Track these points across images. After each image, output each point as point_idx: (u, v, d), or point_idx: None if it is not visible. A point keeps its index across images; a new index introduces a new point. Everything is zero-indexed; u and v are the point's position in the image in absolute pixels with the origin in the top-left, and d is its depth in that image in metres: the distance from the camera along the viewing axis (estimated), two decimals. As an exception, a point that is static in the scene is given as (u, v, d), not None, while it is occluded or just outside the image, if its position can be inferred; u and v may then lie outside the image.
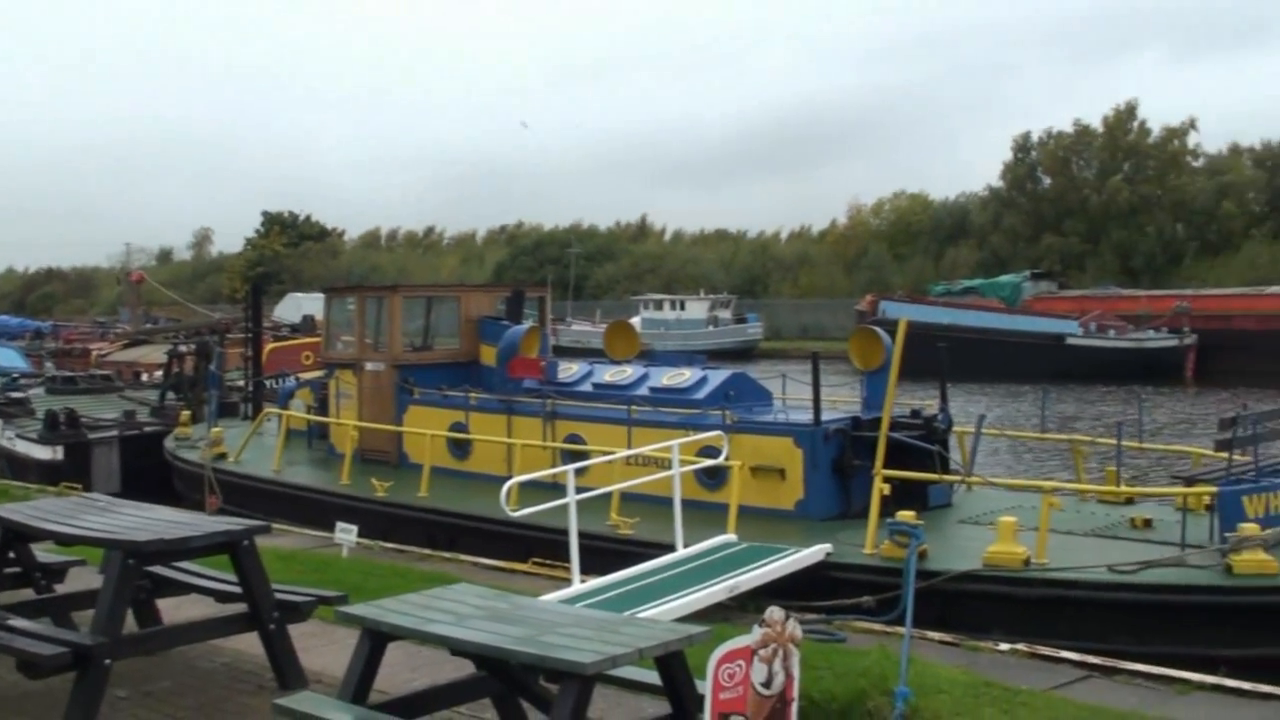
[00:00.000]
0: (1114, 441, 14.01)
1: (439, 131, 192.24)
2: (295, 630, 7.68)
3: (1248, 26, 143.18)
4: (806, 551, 10.97)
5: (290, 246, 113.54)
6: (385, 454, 16.70)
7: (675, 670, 5.15)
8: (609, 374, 15.60)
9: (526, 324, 16.89)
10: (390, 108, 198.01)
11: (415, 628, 5.48)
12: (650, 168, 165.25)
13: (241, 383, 23.94)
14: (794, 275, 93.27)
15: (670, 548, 11.25)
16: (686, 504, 11.57)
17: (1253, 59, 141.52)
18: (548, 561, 11.63)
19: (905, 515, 10.80)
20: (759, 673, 4.51)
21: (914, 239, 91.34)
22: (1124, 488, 13.29)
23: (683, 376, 14.75)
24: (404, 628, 5.52)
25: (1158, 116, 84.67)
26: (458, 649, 5.48)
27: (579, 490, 10.56)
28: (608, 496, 12.16)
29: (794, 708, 4.60)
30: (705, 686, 4.51)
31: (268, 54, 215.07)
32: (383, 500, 14.69)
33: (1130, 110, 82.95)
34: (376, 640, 5.67)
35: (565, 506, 10.28)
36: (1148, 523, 12.02)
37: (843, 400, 14.94)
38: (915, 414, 13.60)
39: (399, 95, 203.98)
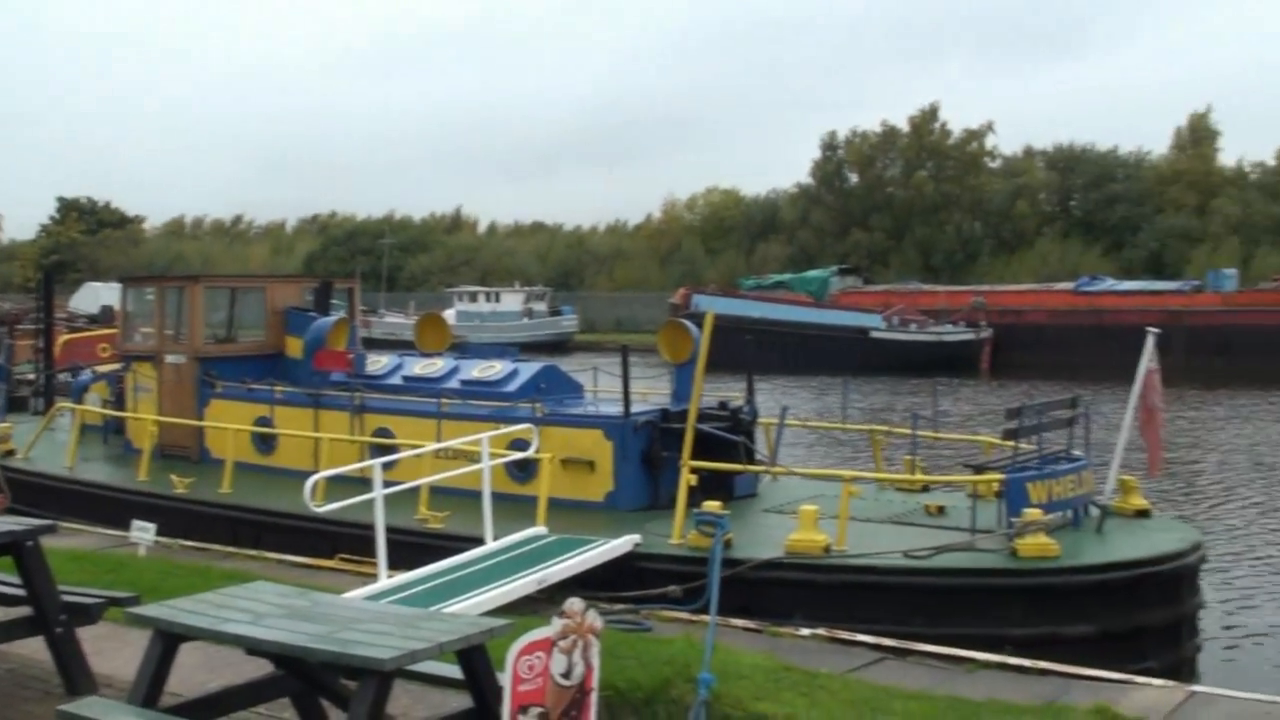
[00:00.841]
0: (911, 431, 14.51)
1: (249, 115, 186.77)
2: (86, 634, 7.39)
3: (1045, 38, 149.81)
4: (615, 542, 11.07)
5: (88, 234, 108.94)
6: (186, 449, 16.20)
7: (476, 664, 5.15)
8: (419, 366, 15.44)
9: (334, 316, 16.58)
10: (199, 86, 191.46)
11: (209, 627, 5.34)
12: (466, 159, 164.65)
13: (32, 376, 22.91)
14: (609, 268, 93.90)
15: (480, 541, 11.22)
16: (497, 497, 11.55)
17: (1048, 69, 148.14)
18: (355, 557, 11.47)
19: (711, 505, 10.99)
20: (559, 664, 4.55)
21: (726, 234, 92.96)
22: (919, 476, 13.77)
23: (493, 369, 14.70)
24: (197, 628, 5.37)
25: (959, 119, 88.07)
26: (254, 649, 5.37)
27: (387, 484, 10.45)
28: (416, 490, 12.06)
29: (594, 698, 4.66)
30: (505, 679, 4.53)
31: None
32: (183, 497, 14.24)
33: (933, 112, 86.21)
34: (168, 642, 5.51)
35: (372, 501, 10.16)
36: (941, 509, 12.50)
37: (653, 393, 15.11)
38: (723, 406, 13.85)
39: (207, 72, 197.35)
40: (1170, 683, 8.41)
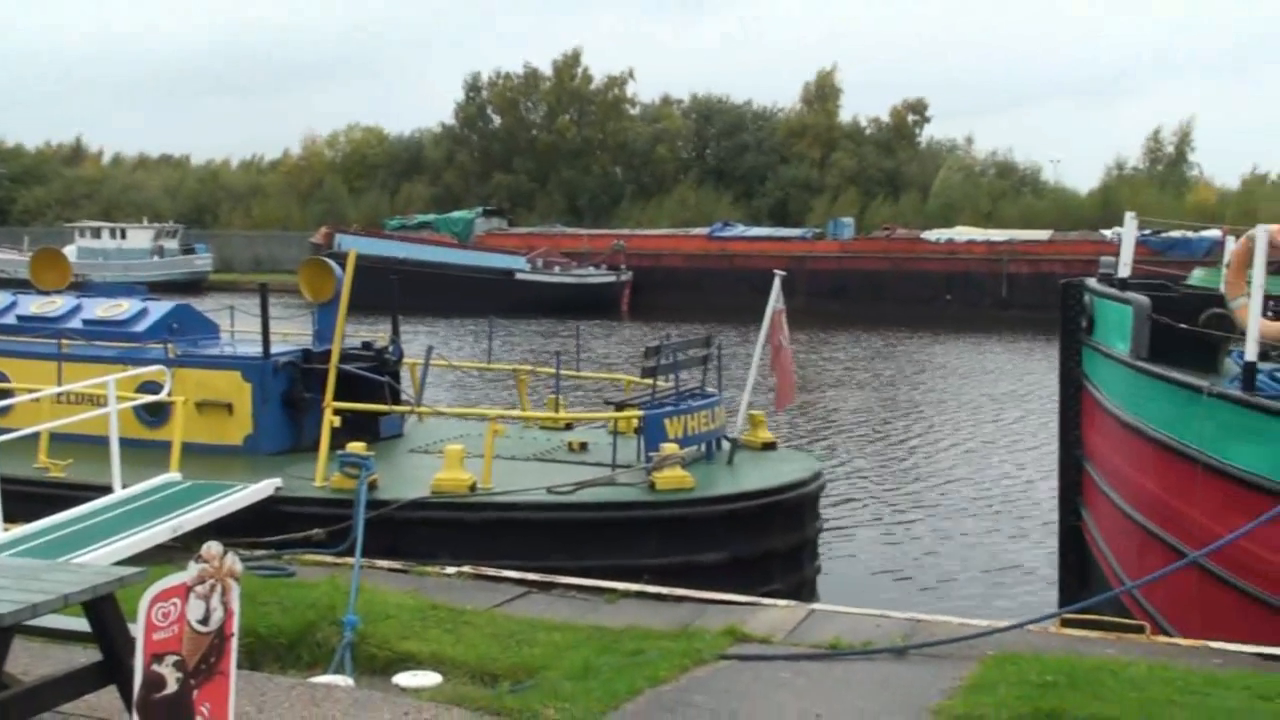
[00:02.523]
0: (555, 371, 14.79)
1: None
2: None
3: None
4: (255, 487, 10.74)
5: None
6: None
7: (105, 615, 4.90)
8: (35, 305, 14.35)
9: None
10: None
11: None
12: (86, 84, 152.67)
13: None
14: (246, 206, 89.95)
15: (108, 489, 10.62)
16: (126, 443, 10.93)
17: (695, 21, 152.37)
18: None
19: (356, 447, 10.89)
20: (195, 610, 4.39)
21: (370, 173, 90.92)
22: (563, 414, 14.07)
23: (120, 308, 13.87)
24: None
25: (605, 66, 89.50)
26: None
27: (1, 431, 9.71)
28: (35, 437, 11.27)
29: (233, 643, 4.52)
30: (138, 628, 4.33)
31: None
32: None
33: (576, 57, 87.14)
34: None
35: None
36: (584, 446, 12.84)
37: (295, 334, 14.70)
38: (367, 346, 13.65)
39: None
40: (793, 603, 9.03)
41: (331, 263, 13.72)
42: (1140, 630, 8.03)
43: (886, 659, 7.23)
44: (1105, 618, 8.24)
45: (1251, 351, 8.76)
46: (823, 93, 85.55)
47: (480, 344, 34.84)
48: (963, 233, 60.79)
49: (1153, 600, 9.63)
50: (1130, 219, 12.09)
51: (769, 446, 13.04)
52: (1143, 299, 10.48)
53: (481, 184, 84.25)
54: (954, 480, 19.29)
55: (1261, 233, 9.08)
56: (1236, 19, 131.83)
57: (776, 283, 12.58)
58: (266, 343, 12.70)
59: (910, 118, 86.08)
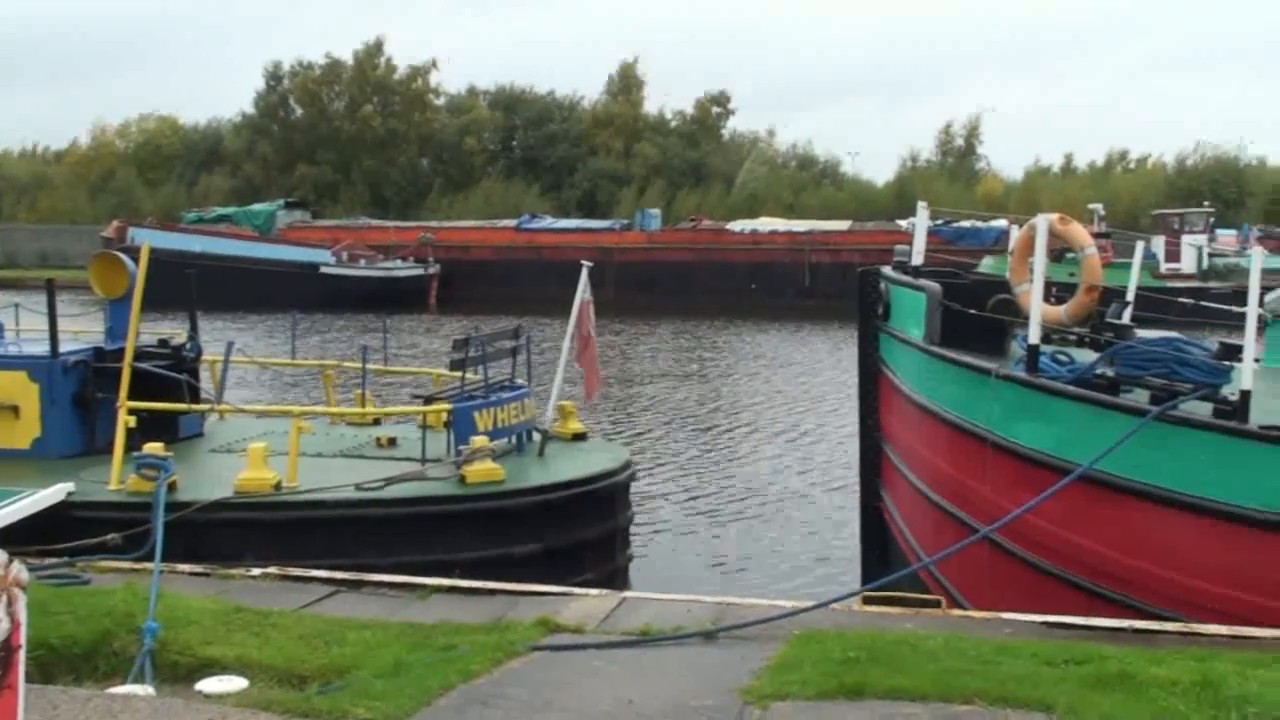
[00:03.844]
0: (361, 366, 14.56)
1: None
2: None
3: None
4: (43, 493, 10.26)
5: None
6: None
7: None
8: None
9: None
10: None
11: None
12: None
13: None
14: (31, 198, 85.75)
15: (-121, 500, 10.01)
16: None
17: (501, 13, 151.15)
18: None
19: (153, 447, 10.53)
20: (-20, 623, 4.19)
21: (166, 164, 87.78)
22: (370, 409, 13.87)
23: (-110, 308, 13.10)
24: None
25: (409, 58, 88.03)
26: None
27: None
28: None
29: (21, 655, 4.32)
30: (-85, 645, 4.11)
31: None
32: None
33: (379, 46, 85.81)
34: None
35: None
36: (392, 441, 12.69)
37: (86, 331, 14.10)
38: (163, 343, 13.19)
39: None
40: (606, 591, 9.10)
41: (124, 257, 13.21)
42: (937, 604, 8.35)
43: (697, 643, 7.36)
44: (904, 594, 8.54)
45: (1034, 335, 9.20)
46: (627, 84, 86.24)
47: (284, 340, 34.04)
48: (766, 224, 62.15)
49: (948, 575, 10.04)
50: (922, 209, 12.55)
51: (580, 437, 13.11)
52: (934, 286, 10.89)
53: (284, 176, 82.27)
54: (765, 467, 19.72)
55: (1042, 222, 9.54)
56: (1024, 17, 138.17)
57: (584, 274, 12.65)
58: (54, 341, 12.15)
59: (714, 110, 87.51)
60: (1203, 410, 8.28)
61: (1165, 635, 7.52)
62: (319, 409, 14.13)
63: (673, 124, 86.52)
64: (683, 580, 12.97)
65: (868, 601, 8.47)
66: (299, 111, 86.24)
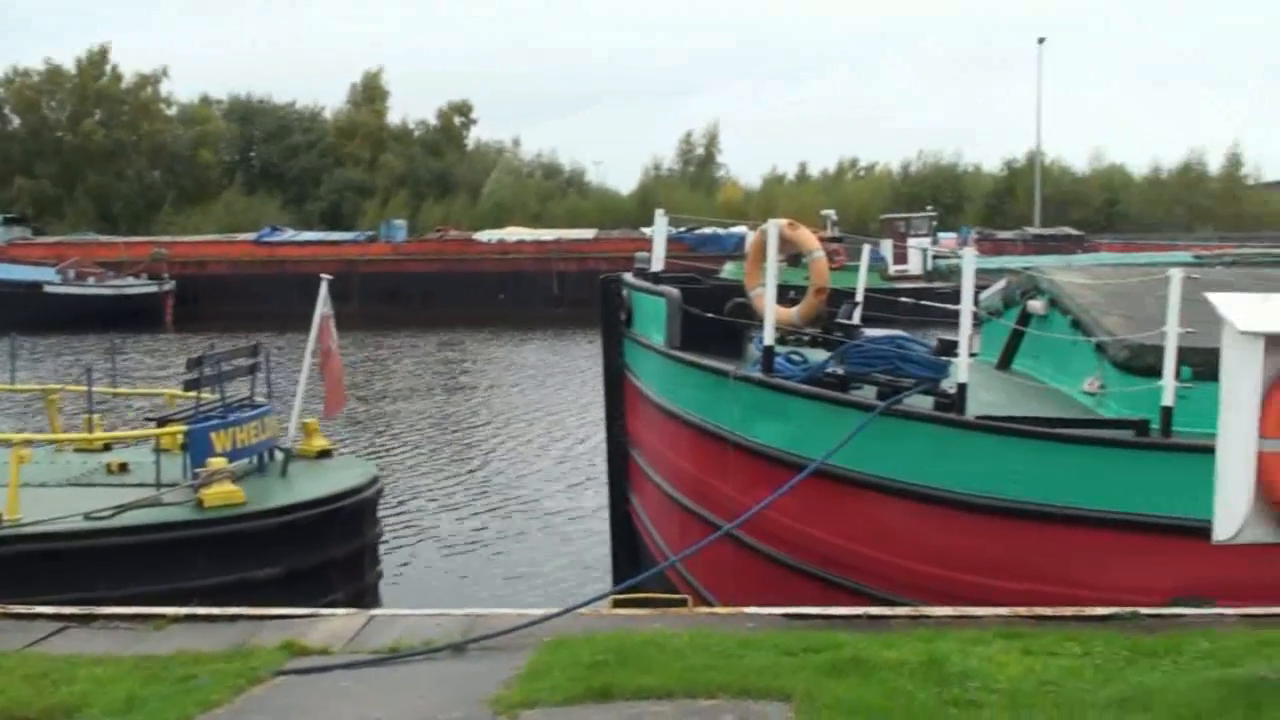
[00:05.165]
0: (88, 388, 13.85)
1: None
2: None
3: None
4: None
5: None
6: None
7: None
8: None
9: None
10: None
11: None
12: None
13: None
14: None
15: None
16: None
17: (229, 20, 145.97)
18: None
19: None
20: None
21: None
22: (98, 434, 13.20)
23: None
24: None
25: (137, 66, 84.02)
26: None
27: None
28: None
29: None
30: None
31: None
32: None
33: (103, 54, 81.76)
34: None
35: None
36: (124, 467, 12.12)
37: None
38: None
39: None
40: (353, 610, 8.91)
41: None
42: (684, 603, 8.53)
43: (446, 656, 7.31)
44: (653, 595, 8.69)
45: (769, 336, 9.52)
46: (370, 94, 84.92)
47: (3, 366, 31.99)
48: (513, 233, 62.25)
49: (695, 573, 10.28)
50: (660, 216, 12.80)
51: (324, 454, 12.82)
52: (674, 291, 11.13)
53: (1, 190, 77.36)
54: (516, 477, 19.71)
55: (773, 227, 9.89)
56: (749, 20, 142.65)
57: (324, 287, 12.38)
58: None
59: (457, 119, 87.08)
60: (925, 404, 8.75)
61: (897, 620, 7.90)
62: (41, 436, 13.34)
63: (416, 134, 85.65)
64: (436, 595, 12.86)
65: (617, 604, 8.58)
66: (16, 122, 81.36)
